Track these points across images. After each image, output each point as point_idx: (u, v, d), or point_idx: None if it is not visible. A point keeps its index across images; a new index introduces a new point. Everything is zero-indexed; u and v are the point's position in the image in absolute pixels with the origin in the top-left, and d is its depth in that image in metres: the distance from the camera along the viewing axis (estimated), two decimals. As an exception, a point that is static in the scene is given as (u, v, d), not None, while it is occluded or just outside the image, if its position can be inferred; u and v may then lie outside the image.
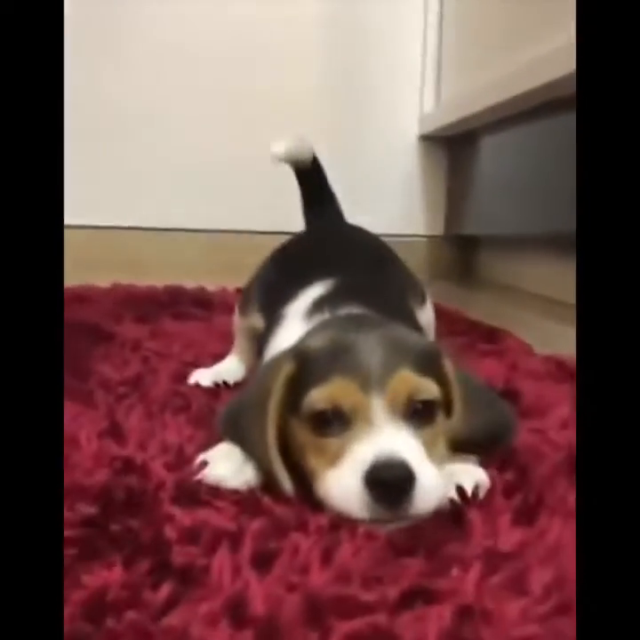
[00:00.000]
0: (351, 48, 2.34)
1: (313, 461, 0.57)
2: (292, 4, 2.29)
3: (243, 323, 0.98)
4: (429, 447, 0.56)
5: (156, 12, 2.26)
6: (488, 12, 1.93)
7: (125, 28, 2.21)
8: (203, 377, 0.92)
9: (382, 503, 0.52)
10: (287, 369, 0.59)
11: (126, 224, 2.29)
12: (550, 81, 1.50)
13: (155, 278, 1.74)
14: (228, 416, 0.64)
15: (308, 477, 0.57)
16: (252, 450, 0.59)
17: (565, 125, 1.60)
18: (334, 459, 0.55)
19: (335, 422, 0.56)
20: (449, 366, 0.61)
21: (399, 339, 0.61)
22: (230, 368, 0.97)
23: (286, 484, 0.57)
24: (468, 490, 0.55)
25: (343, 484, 0.53)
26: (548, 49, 1.51)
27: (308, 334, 0.67)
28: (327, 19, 2.33)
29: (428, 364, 0.60)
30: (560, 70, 1.44)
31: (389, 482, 0.52)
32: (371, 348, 0.58)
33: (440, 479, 0.55)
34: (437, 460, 0.56)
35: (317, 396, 0.56)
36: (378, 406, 0.55)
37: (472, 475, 0.57)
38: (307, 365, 0.59)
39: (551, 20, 1.58)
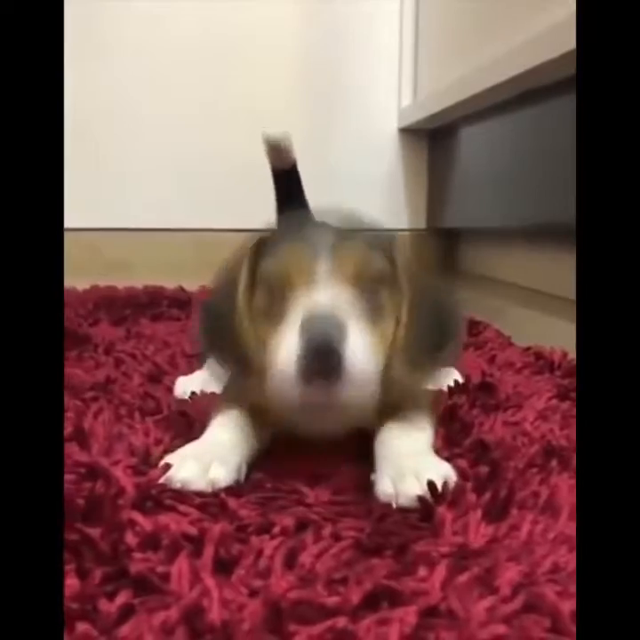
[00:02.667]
0: (327, 44, 2.33)
1: (265, 330, 0.59)
2: (268, 2, 2.27)
3: None
4: (372, 319, 0.58)
5: (134, 12, 2.25)
6: (463, 4, 1.92)
7: (101, 28, 2.19)
8: (188, 386, 0.84)
9: (316, 357, 0.53)
10: (249, 253, 0.63)
11: (105, 225, 2.27)
12: (527, 70, 1.49)
13: (137, 279, 1.72)
14: (202, 317, 0.67)
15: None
16: (226, 336, 0.61)
17: (545, 116, 1.59)
18: (281, 322, 0.57)
19: (286, 288, 0.58)
20: (400, 259, 0.63)
21: (354, 221, 0.65)
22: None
23: (260, 359, 0.58)
24: (438, 486, 0.54)
25: (283, 342, 0.55)
26: (524, 38, 1.50)
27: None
28: (303, 16, 2.32)
29: (382, 248, 0.63)
30: (537, 58, 1.43)
31: (320, 332, 0.53)
32: (324, 227, 0.62)
33: (372, 350, 0.56)
34: (378, 335, 0.58)
35: (269, 264, 0.60)
36: (324, 271, 0.57)
37: (438, 470, 0.55)
38: (264, 248, 0.62)
39: (526, 9, 1.57)
